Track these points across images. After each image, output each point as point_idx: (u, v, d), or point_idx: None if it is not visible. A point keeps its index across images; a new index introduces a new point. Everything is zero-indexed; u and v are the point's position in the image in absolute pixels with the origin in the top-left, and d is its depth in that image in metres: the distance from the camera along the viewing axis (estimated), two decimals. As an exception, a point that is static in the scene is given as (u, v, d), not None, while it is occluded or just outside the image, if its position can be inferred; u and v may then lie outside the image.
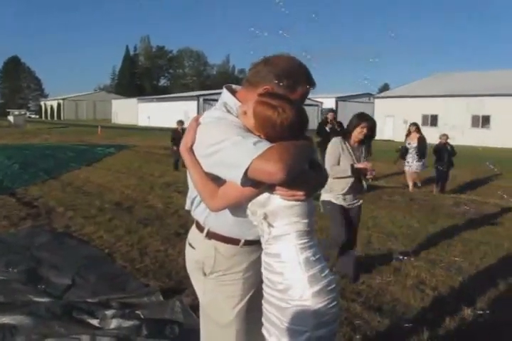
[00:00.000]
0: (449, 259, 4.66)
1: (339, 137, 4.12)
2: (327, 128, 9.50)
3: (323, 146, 9.70)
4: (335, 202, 4.01)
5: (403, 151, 10.12)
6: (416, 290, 3.80)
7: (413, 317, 3.33)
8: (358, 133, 3.99)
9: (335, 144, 4.06)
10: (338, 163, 3.98)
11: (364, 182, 4.07)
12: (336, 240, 3.99)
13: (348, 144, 4.03)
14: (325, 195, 4.08)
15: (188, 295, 3.36)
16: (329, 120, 9.56)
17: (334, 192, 3.98)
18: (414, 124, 10.33)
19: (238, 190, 1.51)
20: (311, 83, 1.70)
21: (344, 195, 3.99)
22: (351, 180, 3.95)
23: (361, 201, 4.19)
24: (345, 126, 9.57)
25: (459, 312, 3.38)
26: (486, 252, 4.94)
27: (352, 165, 3.90)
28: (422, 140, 9.78)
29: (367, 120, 4.01)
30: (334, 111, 9.71)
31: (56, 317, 3.07)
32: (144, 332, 2.93)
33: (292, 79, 1.63)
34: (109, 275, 3.95)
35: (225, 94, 1.72)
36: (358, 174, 3.96)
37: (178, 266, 4.08)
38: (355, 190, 4.03)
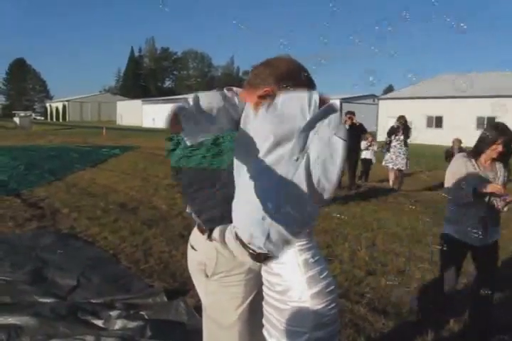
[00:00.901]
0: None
1: (464, 153, 3.22)
2: (346, 126, 9.53)
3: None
4: (458, 237, 3.10)
5: (387, 142, 9.87)
6: (420, 292, 3.78)
7: (417, 320, 3.32)
8: (491, 152, 3.03)
9: (458, 162, 3.15)
10: (462, 186, 3.02)
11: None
12: (436, 294, 3.29)
13: (474, 162, 3.09)
14: (447, 227, 3.23)
15: (192, 296, 3.37)
16: (347, 117, 9.59)
17: (460, 223, 3.08)
18: (403, 118, 10.20)
19: None
20: (312, 85, 1.70)
21: (473, 227, 3.00)
22: (485, 208, 3.02)
23: (498, 236, 3.18)
24: (365, 127, 9.71)
25: (463, 314, 3.37)
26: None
27: (475, 189, 2.91)
28: (407, 129, 9.61)
29: (506, 135, 2.99)
30: (353, 113, 9.71)
31: (61, 317, 3.09)
32: (148, 333, 2.95)
33: (292, 81, 1.63)
34: (113, 276, 3.97)
35: (226, 97, 1.73)
36: (485, 200, 3.01)
37: (183, 267, 4.08)
38: (490, 221, 3.07)
